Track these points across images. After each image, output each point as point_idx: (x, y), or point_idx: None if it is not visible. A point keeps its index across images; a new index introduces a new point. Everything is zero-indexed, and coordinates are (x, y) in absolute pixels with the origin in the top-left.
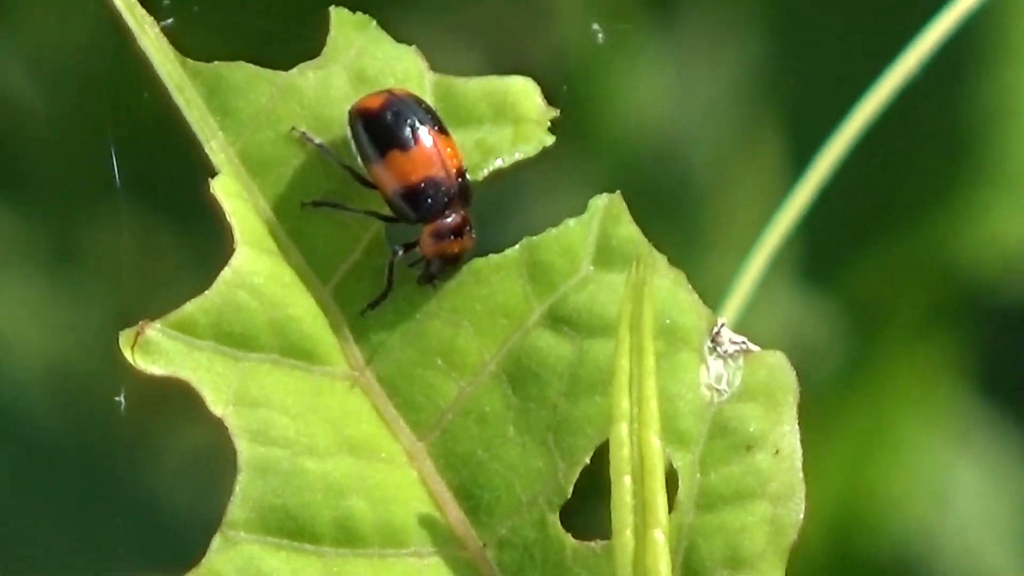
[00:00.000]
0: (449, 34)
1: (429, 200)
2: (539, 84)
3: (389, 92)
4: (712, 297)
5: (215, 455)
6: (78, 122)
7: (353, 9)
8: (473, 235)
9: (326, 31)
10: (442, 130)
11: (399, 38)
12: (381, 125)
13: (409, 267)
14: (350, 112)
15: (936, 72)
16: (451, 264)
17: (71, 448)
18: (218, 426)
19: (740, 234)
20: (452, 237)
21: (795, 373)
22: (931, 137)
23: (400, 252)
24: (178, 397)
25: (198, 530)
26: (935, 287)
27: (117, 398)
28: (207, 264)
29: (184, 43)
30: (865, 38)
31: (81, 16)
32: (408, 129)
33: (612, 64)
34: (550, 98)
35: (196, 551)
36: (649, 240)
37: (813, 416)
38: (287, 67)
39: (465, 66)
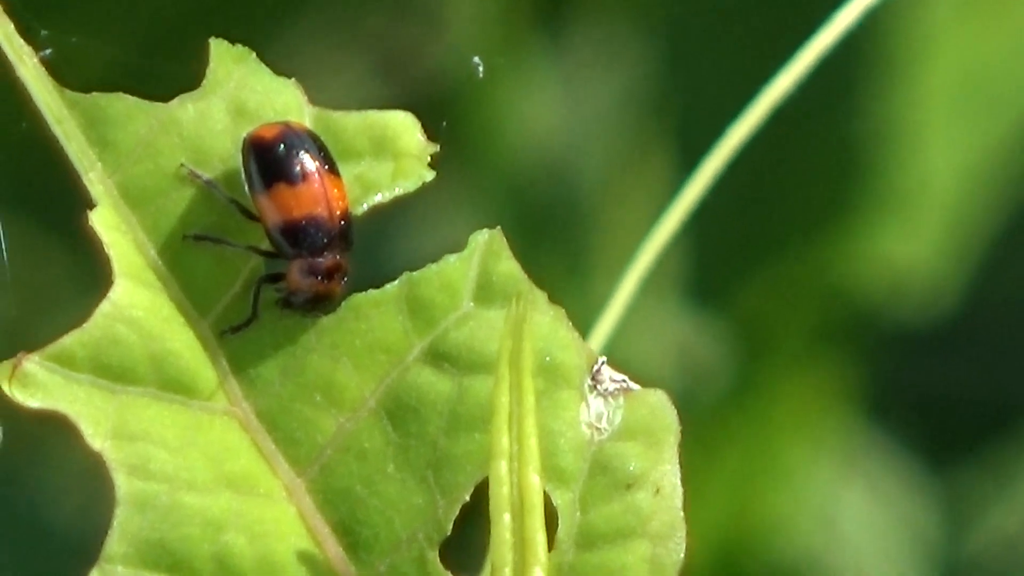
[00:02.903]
0: (334, 51)
1: (308, 238)
2: (424, 102)
3: (286, 124)
4: (597, 317)
5: (97, 473)
6: None
7: (237, 27)
8: (344, 282)
9: (206, 63)
10: (332, 170)
11: (284, 56)
12: (272, 156)
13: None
14: (244, 139)
15: (824, 91)
16: (313, 304)
17: None
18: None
19: (629, 253)
20: (320, 278)
21: (676, 412)
22: (820, 157)
23: (265, 280)
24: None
25: (78, 549)
26: (823, 308)
27: None
28: (95, 277)
29: (63, 74)
30: (754, 53)
31: None
32: (298, 164)
33: (498, 81)
34: (438, 117)
35: (76, 571)
36: (536, 262)
37: (699, 438)
38: (167, 99)
39: (352, 84)
